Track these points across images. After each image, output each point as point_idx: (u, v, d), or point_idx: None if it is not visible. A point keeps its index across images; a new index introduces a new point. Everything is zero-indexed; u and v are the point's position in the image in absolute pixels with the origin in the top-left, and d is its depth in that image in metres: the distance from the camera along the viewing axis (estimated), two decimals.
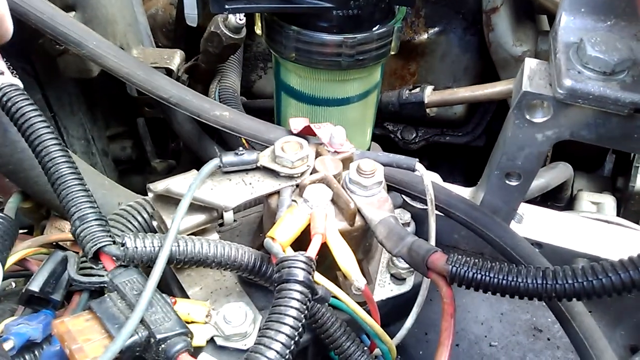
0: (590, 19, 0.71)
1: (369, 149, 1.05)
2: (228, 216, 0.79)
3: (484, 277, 0.58)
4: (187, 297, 0.71)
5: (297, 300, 0.53)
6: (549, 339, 0.86)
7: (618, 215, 1.34)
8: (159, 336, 0.52)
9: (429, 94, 1.21)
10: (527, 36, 1.27)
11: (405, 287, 0.79)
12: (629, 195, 1.40)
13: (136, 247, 0.56)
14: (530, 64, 0.74)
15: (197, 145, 1.21)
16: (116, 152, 1.33)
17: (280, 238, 0.61)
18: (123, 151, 1.34)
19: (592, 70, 0.66)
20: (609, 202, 1.37)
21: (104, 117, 1.25)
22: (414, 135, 1.51)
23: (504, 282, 0.57)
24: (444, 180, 0.93)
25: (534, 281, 0.56)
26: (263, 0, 0.76)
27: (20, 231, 0.77)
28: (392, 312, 0.79)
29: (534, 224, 0.91)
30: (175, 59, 1.13)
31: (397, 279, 0.79)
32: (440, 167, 1.65)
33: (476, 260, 0.60)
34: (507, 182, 0.81)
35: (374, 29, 0.80)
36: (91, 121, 1.20)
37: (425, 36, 1.36)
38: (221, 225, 0.80)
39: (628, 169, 1.40)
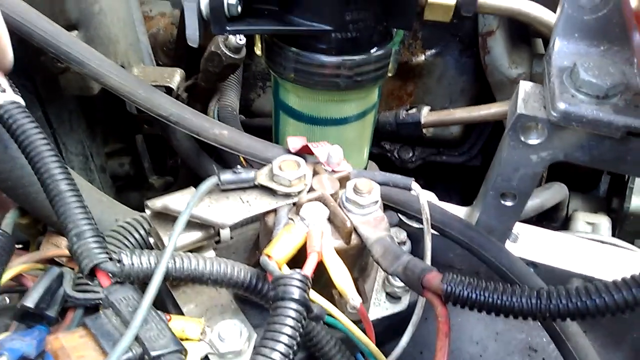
0: (583, 44, 0.73)
1: (365, 168, 1.06)
2: (225, 233, 0.79)
3: (478, 297, 0.58)
4: (182, 314, 0.71)
5: (293, 318, 0.53)
6: (544, 359, 0.86)
7: (613, 235, 1.34)
8: (153, 353, 0.52)
9: (426, 115, 1.22)
10: (522, 59, 1.29)
11: (401, 306, 0.79)
12: (624, 215, 1.41)
13: (132, 264, 0.57)
14: (525, 87, 0.75)
15: (195, 163, 1.22)
16: (114, 168, 1.34)
17: (276, 256, 0.61)
18: (121, 167, 1.35)
19: (585, 94, 0.68)
20: (604, 222, 1.38)
21: (102, 134, 1.26)
22: (410, 155, 1.52)
23: (499, 301, 0.58)
24: (440, 200, 0.94)
25: (529, 301, 0.57)
26: (263, 22, 0.78)
27: (16, 246, 0.77)
28: (388, 330, 0.79)
29: (529, 243, 0.92)
30: (175, 77, 1.14)
31: (393, 297, 0.79)
32: (437, 187, 1.66)
33: (471, 280, 0.60)
34: (502, 202, 0.82)
35: (372, 51, 0.81)
36: (90, 138, 1.21)
37: (422, 58, 1.38)
38: (218, 242, 0.81)
39: (623, 190, 1.41)
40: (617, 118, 0.66)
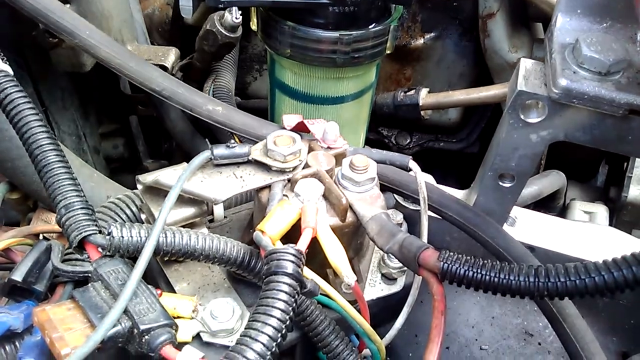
0: (586, 20, 0.72)
1: None
2: (218, 212, 0.78)
3: (475, 275, 0.57)
4: (174, 292, 0.69)
5: (285, 292, 0.52)
6: (540, 344, 0.85)
7: (610, 225, 1.33)
8: (142, 327, 0.51)
9: (424, 96, 1.20)
10: (523, 43, 1.27)
11: (396, 287, 0.78)
12: (622, 205, 1.40)
13: (122, 237, 0.55)
14: (526, 64, 0.74)
15: (189, 144, 1.20)
16: (108, 150, 1.32)
17: (270, 231, 0.60)
18: (115, 149, 1.33)
19: (587, 70, 0.66)
20: (601, 211, 1.37)
21: (96, 114, 1.24)
22: (408, 141, 1.51)
23: (496, 279, 0.56)
24: (441, 185, 0.92)
25: (526, 279, 0.55)
26: None
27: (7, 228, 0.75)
28: (383, 312, 0.78)
29: (527, 227, 0.91)
30: (170, 56, 1.12)
31: (388, 278, 0.78)
32: (434, 173, 1.64)
33: (468, 258, 0.59)
34: (500, 183, 0.81)
35: (370, 26, 0.80)
36: (83, 117, 1.19)
37: (421, 41, 1.36)
38: (211, 221, 0.79)
39: (621, 179, 1.40)
40: (620, 95, 0.64)
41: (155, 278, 0.72)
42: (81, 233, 0.55)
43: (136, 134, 1.38)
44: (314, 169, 0.68)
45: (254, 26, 0.85)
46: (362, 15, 0.78)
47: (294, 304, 0.52)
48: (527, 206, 1.29)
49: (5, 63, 0.65)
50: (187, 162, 0.71)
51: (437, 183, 0.94)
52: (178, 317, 0.63)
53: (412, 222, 0.89)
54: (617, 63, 0.65)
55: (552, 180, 1.35)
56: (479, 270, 0.57)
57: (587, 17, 0.71)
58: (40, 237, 0.71)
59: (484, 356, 0.84)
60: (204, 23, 1.13)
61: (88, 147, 1.22)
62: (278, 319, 0.50)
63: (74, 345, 0.48)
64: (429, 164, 1.58)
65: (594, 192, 1.54)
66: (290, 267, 0.53)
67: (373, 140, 1.50)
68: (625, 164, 1.38)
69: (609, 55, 0.65)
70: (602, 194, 1.53)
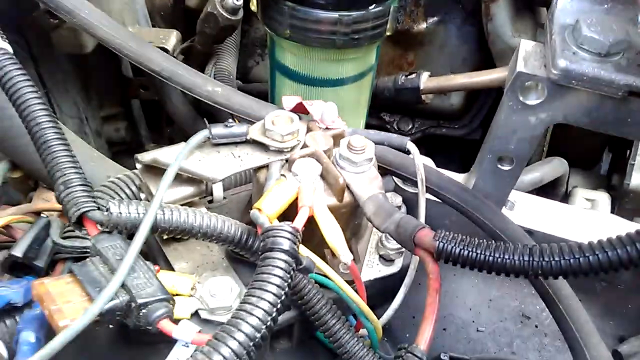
0: (587, 2, 0.71)
1: None
2: (217, 192, 0.78)
3: (470, 254, 0.58)
4: (172, 270, 0.70)
5: (281, 268, 0.52)
6: (536, 326, 0.86)
7: (612, 212, 1.33)
8: (139, 301, 0.51)
9: (425, 80, 1.20)
10: (526, 27, 1.26)
11: (394, 268, 0.78)
12: (624, 192, 1.39)
13: (120, 213, 0.56)
14: (526, 45, 0.73)
15: (191, 128, 1.21)
16: (110, 133, 1.32)
17: (267, 210, 0.60)
18: (117, 133, 1.33)
19: (587, 51, 0.66)
20: (603, 199, 1.37)
21: (98, 97, 1.25)
22: (410, 127, 1.50)
23: (490, 258, 0.57)
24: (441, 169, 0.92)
25: (520, 258, 0.56)
26: None
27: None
28: (380, 293, 0.79)
29: (525, 211, 0.91)
30: (171, 39, 1.12)
31: (386, 260, 0.79)
32: (436, 160, 1.64)
33: (463, 237, 0.59)
34: (499, 166, 0.81)
35: (370, 7, 0.80)
36: (85, 100, 1.19)
37: (424, 25, 1.35)
38: (211, 202, 0.80)
39: (624, 167, 1.40)
40: (619, 77, 0.64)
41: (155, 257, 0.73)
42: (80, 209, 0.55)
43: (138, 117, 1.39)
44: (312, 149, 0.68)
45: (253, 7, 0.85)
46: None
47: (289, 280, 0.52)
48: (529, 192, 1.30)
49: (5, 41, 0.65)
50: None
51: (439, 168, 0.94)
52: (177, 295, 0.64)
53: (411, 205, 0.89)
54: (617, 44, 0.65)
55: (554, 167, 1.35)
56: (473, 250, 0.58)
57: None
58: (41, 215, 0.72)
59: (481, 338, 0.84)
60: (205, 5, 1.12)
61: (90, 130, 1.23)
62: (273, 293, 0.50)
63: (72, 317, 0.49)
64: (431, 150, 1.57)
65: (596, 179, 1.53)
66: (286, 244, 0.54)
67: (375, 126, 1.50)
68: (628, 151, 1.38)
69: (608, 36, 0.65)
70: (604, 181, 1.53)
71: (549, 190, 1.42)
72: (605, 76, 0.65)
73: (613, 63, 0.65)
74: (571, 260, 0.54)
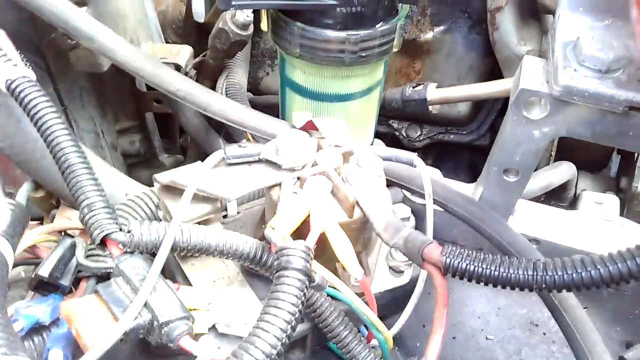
0: (588, 18, 0.73)
1: (371, 145, 1.06)
2: (232, 208, 0.81)
3: (476, 268, 0.60)
4: (190, 285, 0.73)
5: (295, 287, 0.55)
6: (544, 334, 0.87)
7: (621, 215, 1.34)
8: (161, 319, 0.54)
9: (432, 91, 1.22)
10: (532, 35, 1.27)
11: (403, 279, 0.81)
12: (633, 195, 1.40)
13: (142, 234, 0.59)
14: (529, 61, 0.75)
15: (203, 140, 1.23)
16: (125, 146, 1.36)
17: (280, 228, 0.63)
18: (132, 145, 1.36)
19: (588, 68, 0.68)
20: (612, 202, 1.37)
21: (113, 112, 1.28)
22: (418, 133, 1.52)
23: (496, 273, 0.59)
24: (448, 179, 0.94)
25: (525, 272, 0.58)
26: None
27: (31, 222, 0.79)
28: (390, 304, 0.81)
29: (532, 220, 0.93)
30: (184, 54, 1.15)
31: (396, 271, 0.81)
32: (445, 165, 1.67)
33: (470, 252, 0.61)
34: (505, 178, 0.83)
35: (377, 26, 0.82)
36: (101, 115, 1.22)
37: (430, 35, 1.37)
38: (225, 217, 0.83)
39: (632, 170, 1.40)
40: (620, 92, 0.66)
41: (173, 272, 0.76)
42: (103, 231, 0.58)
43: (152, 130, 1.42)
44: (322, 167, 0.71)
45: (264, 27, 0.87)
46: (369, 15, 0.80)
47: (303, 298, 0.55)
48: (538, 197, 1.31)
49: (29, 69, 0.68)
50: (201, 157, 0.74)
51: (448, 175, 0.96)
52: (195, 310, 0.67)
53: (419, 216, 0.91)
54: (617, 60, 0.67)
55: (562, 172, 1.36)
56: (480, 264, 0.60)
57: (589, 14, 0.73)
58: (63, 234, 0.75)
59: (490, 346, 0.86)
60: (217, 21, 1.15)
61: (106, 144, 1.26)
62: (288, 311, 0.53)
63: (99, 336, 0.52)
64: (439, 156, 1.60)
65: (605, 182, 1.54)
66: (299, 263, 0.56)
67: (384, 133, 1.52)
68: (637, 154, 1.38)
69: (609, 53, 0.67)
70: (613, 184, 1.54)
71: (558, 194, 1.43)
72: (606, 92, 0.66)
73: (614, 79, 0.67)
74: (574, 275, 0.56)
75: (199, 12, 0.75)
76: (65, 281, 0.66)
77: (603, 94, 0.66)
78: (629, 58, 0.67)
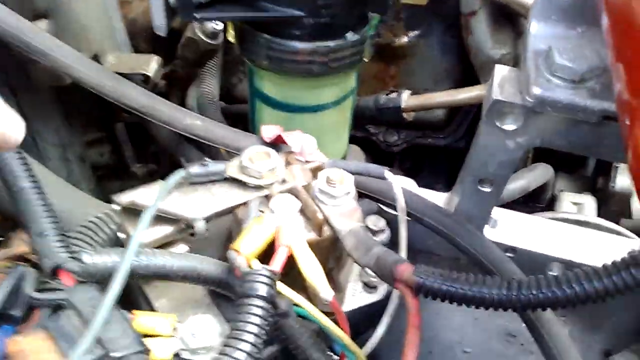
0: (560, 26, 0.71)
1: (345, 154, 1.04)
2: (200, 226, 0.78)
3: (449, 288, 0.58)
4: (153, 309, 0.70)
5: (258, 316, 0.52)
6: (522, 345, 0.86)
7: (598, 215, 1.34)
8: (114, 355, 0.51)
9: (406, 99, 1.20)
10: (506, 38, 1.27)
11: (377, 295, 0.78)
12: (609, 195, 1.41)
13: (95, 263, 0.56)
14: (501, 71, 0.74)
15: (175, 150, 1.20)
16: (94, 158, 1.31)
17: (244, 250, 0.60)
18: (101, 157, 1.32)
19: (560, 78, 0.66)
20: (589, 202, 1.38)
21: (80, 123, 1.24)
22: (395, 138, 1.50)
23: (470, 293, 0.57)
24: (427, 182, 0.93)
25: (500, 292, 0.56)
26: (233, 8, 0.76)
27: None
28: (365, 320, 0.79)
29: (508, 228, 0.91)
30: (152, 64, 1.11)
31: (369, 287, 0.79)
32: (423, 169, 1.66)
33: (443, 272, 0.59)
34: (480, 188, 0.81)
35: (347, 36, 0.79)
36: (66, 127, 1.18)
37: (405, 39, 1.35)
38: (192, 235, 0.79)
39: (608, 170, 1.41)
40: (593, 102, 0.64)
41: (135, 295, 0.72)
42: (54, 261, 0.55)
43: (123, 140, 1.37)
44: (291, 185, 0.68)
45: (231, 38, 0.85)
46: (338, 26, 0.78)
47: (267, 327, 0.52)
48: (516, 200, 1.31)
49: None
50: (176, 166, 0.71)
51: (427, 178, 0.95)
52: (158, 336, 0.64)
53: (395, 227, 0.89)
54: (590, 70, 0.65)
55: (539, 174, 1.36)
56: (453, 285, 0.58)
57: (561, 22, 0.71)
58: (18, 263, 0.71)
59: (468, 359, 0.85)
60: (185, 30, 1.12)
61: (73, 157, 1.22)
62: (250, 343, 0.50)
63: None
64: (417, 160, 1.59)
65: (582, 182, 1.55)
66: (263, 290, 0.54)
67: (360, 138, 1.50)
68: None
69: (581, 63, 0.65)
70: (590, 184, 1.54)
71: (536, 195, 1.43)
72: (579, 102, 0.65)
73: (587, 89, 0.65)
74: (549, 294, 0.55)
75: (160, 26, 0.72)
76: (17, 312, 0.62)
77: (577, 104, 0.65)
78: (602, 67, 0.66)
